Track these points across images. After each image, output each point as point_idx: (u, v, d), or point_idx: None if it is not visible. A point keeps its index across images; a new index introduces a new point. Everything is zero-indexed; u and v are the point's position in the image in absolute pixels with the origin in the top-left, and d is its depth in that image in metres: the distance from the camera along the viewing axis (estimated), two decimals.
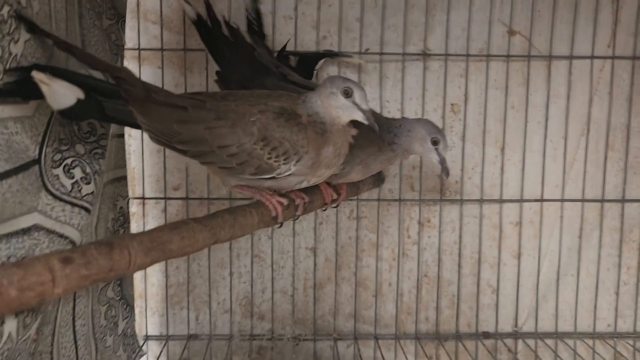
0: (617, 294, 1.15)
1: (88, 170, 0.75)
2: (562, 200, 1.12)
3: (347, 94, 0.71)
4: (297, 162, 0.70)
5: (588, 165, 1.11)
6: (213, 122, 0.70)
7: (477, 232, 1.12)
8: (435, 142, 0.79)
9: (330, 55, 1.05)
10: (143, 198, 1.07)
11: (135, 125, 0.71)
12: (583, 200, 1.12)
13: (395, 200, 1.11)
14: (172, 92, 0.76)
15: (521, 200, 1.11)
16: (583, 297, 1.15)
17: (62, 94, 0.65)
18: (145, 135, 1.06)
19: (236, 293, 1.12)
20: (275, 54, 1.03)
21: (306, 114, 0.71)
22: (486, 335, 1.14)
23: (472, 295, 1.14)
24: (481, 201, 1.11)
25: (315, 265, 1.12)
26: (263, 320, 1.13)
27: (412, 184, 1.12)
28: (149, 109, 0.69)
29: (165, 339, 1.10)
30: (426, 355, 1.12)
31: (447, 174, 0.80)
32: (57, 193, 0.70)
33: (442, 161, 0.80)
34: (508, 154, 1.11)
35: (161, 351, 1.09)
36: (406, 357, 1.10)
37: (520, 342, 1.14)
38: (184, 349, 1.09)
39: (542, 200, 1.12)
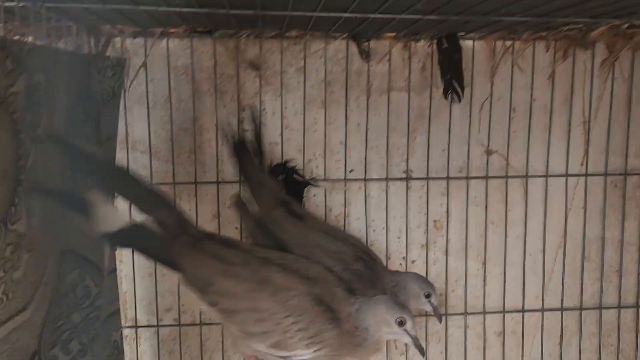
0: None
1: (84, 340, 0.77)
2: (543, 310, 1.16)
3: (402, 323, 0.74)
4: (315, 351, 0.71)
5: (566, 276, 1.16)
6: (257, 286, 0.70)
7: (462, 342, 1.16)
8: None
9: (302, 182, 1.07)
10: (136, 327, 1.09)
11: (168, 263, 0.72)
12: (562, 309, 1.16)
13: None
14: (224, 238, 0.77)
15: (503, 312, 1.16)
16: None
17: (110, 218, 0.67)
18: (137, 260, 1.09)
19: None
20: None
21: (352, 321, 0.72)
22: None
23: None
24: (465, 314, 1.15)
25: None
26: None
27: None
28: (195, 254, 0.70)
29: None
30: None
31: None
32: None
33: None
34: (490, 268, 1.15)
35: None
36: None
37: None
38: None
39: (523, 310, 1.16)
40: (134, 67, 1.06)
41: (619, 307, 1.17)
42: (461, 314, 1.15)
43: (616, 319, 1.17)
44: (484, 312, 1.15)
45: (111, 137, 1.00)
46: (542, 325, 1.16)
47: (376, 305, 0.74)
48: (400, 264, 1.15)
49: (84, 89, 0.87)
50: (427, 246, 1.15)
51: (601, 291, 1.17)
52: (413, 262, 1.15)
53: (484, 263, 1.15)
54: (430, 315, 1.15)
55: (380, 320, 0.73)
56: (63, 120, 0.77)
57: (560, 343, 1.17)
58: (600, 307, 1.17)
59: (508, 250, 1.15)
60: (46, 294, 0.69)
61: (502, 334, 1.16)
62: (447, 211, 1.14)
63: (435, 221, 1.15)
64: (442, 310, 1.15)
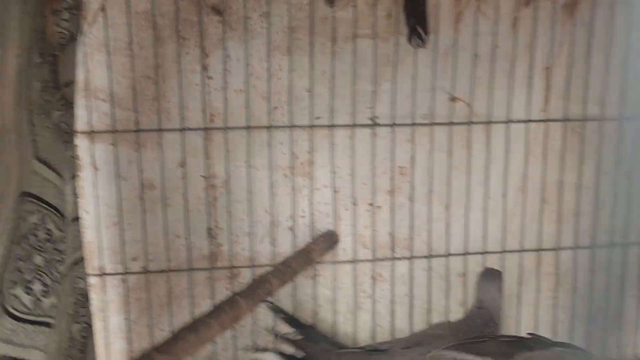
0: (554, 332, 1.25)
1: (48, 281, 0.77)
2: (503, 252, 1.20)
3: None
4: None
5: (526, 219, 1.20)
6: None
7: (426, 284, 1.20)
8: None
9: None
10: (102, 274, 1.09)
11: None
12: (522, 251, 1.21)
13: (350, 261, 1.17)
14: None
15: (465, 254, 1.19)
16: None
17: None
18: (102, 210, 1.08)
19: (200, 354, 1.16)
20: None
21: None
22: None
23: None
24: (429, 257, 1.18)
25: (275, 322, 1.17)
26: None
27: (364, 242, 1.18)
28: None
29: None
30: None
31: None
32: (19, 315, 0.72)
33: None
34: (453, 212, 1.18)
35: None
36: None
37: None
38: None
39: (484, 252, 1.20)
40: (92, 11, 1.03)
41: (575, 247, 1.22)
42: (425, 257, 1.18)
43: (572, 259, 1.22)
44: (447, 255, 1.19)
45: (70, 83, 0.97)
46: (503, 266, 1.20)
47: None
48: (367, 210, 1.17)
49: (38, 30, 0.84)
50: (392, 192, 1.17)
51: (559, 233, 1.21)
52: (379, 207, 1.17)
53: (448, 207, 1.18)
54: (397, 258, 1.19)
55: None
56: (16, 61, 0.75)
57: (520, 283, 1.22)
58: (557, 248, 1.21)
59: (471, 195, 1.18)
60: (4, 233, 0.68)
61: (465, 275, 1.20)
62: (412, 157, 1.16)
63: (400, 167, 1.16)
64: (407, 254, 1.18)
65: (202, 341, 0.71)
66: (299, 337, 1.04)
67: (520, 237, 1.20)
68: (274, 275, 0.90)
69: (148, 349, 0.65)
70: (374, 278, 1.19)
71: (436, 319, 1.21)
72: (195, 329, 0.71)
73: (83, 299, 1.01)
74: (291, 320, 1.06)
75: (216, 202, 1.13)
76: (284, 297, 1.17)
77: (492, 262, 1.20)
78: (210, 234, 1.13)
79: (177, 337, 0.69)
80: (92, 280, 1.09)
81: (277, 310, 1.06)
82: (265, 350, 1.01)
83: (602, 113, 1.18)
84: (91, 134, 1.05)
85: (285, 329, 1.07)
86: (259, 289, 0.84)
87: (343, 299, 1.19)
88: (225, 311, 0.75)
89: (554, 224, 1.21)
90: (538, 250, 1.21)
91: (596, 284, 1.24)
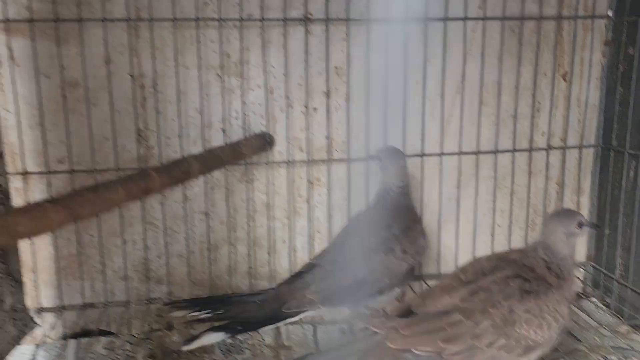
0: (492, 235, 1.26)
1: None
2: (441, 154, 1.19)
3: (581, 225, 0.76)
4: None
5: (464, 121, 1.19)
6: (479, 329, 0.73)
7: (365, 188, 1.18)
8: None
9: None
10: (25, 173, 1.05)
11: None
12: (460, 154, 1.20)
13: (285, 162, 1.15)
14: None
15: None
16: (463, 241, 1.25)
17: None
18: (23, 109, 1.04)
19: (131, 260, 1.14)
20: None
21: (547, 262, 0.75)
22: None
23: None
24: (367, 159, 1.17)
25: (209, 228, 1.15)
26: (160, 284, 1.16)
27: (301, 146, 1.16)
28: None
29: (60, 309, 1.11)
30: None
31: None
32: None
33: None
34: (390, 113, 1.16)
35: (56, 322, 1.10)
36: None
37: None
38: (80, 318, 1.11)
39: (422, 155, 1.19)
40: None
41: (513, 150, 1.21)
42: (362, 159, 1.17)
43: (511, 162, 1.22)
44: None
45: None
46: (441, 169, 1.20)
47: (550, 228, 0.78)
48: (302, 112, 1.14)
49: None
50: (328, 93, 1.14)
51: (497, 136, 1.20)
52: (315, 109, 1.15)
53: (384, 109, 1.16)
54: (334, 160, 1.17)
55: (565, 236, 0.76)
56: None
57: (458, 186, 1.21)
58: (495, 151, 1.21)
59: (408, 95, 1.16)
60: None
61: None
62: (348, 57, 1.13)
63: (336, 67, 1.14)
64: (344, 157, 1.16)
65: (103, 202, 0.68)
66: (220, 312, 0.97)
67: (458, 140, 1.19)
68: (196, 159, 0.87)
69: (42, 200, 0.62)
70: (310, 182, 1.17)
71: None
72: (96, 189, 0.68)
73: (2, 195, 0.98)
74: (204, 303, 0.99)
75: (145, 102, 1.09)
76: (218, 202, 1.15)
77: (431, 164, 1.19)
78: (140, 135, 1.10)
79: (75, 193, 0.66)
80: (15, 182, 1.05)
81: (186, 306, 0.98)
82: (201, 334, 0.94)
83: (540, 12, 1.17)
84: (7, 23, 1.00)
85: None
86: (176, 168, 0.82)
87: (279, 204, 1.18)
88: (135, 180, 0.72)
89: (492, 126, 1.20)
90: (476, 153, 1.21)
91: (534, 187, 1.25)
